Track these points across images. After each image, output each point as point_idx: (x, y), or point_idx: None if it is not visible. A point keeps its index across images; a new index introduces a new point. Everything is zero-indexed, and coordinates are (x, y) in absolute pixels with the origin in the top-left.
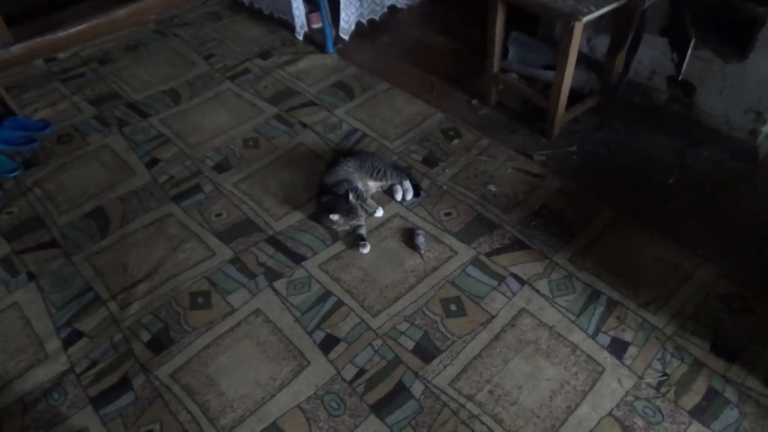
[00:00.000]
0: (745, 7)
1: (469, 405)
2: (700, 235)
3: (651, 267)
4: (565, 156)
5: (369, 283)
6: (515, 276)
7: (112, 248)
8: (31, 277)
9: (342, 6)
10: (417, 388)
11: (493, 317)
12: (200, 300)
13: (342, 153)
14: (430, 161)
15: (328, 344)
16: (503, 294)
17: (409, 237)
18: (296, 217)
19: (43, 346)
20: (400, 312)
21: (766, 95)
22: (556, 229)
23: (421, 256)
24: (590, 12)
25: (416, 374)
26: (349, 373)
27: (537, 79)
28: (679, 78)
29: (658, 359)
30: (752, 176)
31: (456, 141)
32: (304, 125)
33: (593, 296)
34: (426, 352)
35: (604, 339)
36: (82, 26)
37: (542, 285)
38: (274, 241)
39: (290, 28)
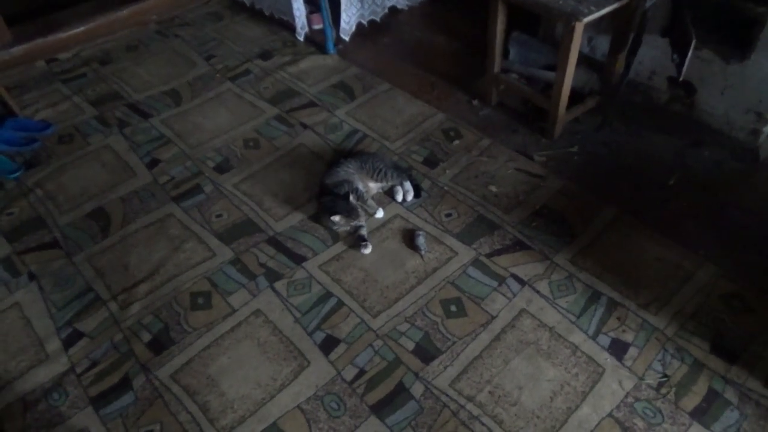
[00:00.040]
0: (745, 7)
1: (470, 406)
2: (701, 235)
3: (652, 267)
4: (565, 156)
5: (369, 283)
6: (516, 277)
7: (113, 248)
8: (32, 277)
9: (343, 7)
10: (417, 389)
11: (493, 318)
12: (201, 300)
13: (343, 154)
14: (430, 162)
15: (328, 345)
16: (504, 295)
17: (409, 238)
18: (297, 217)
19: (43, 347)
20: (401, 313)
21: (766, 95)
22: (556, 230)
23: (422, 256)
24: (591, 12)
25: (416, 375)
26: (350, 373)
27: (538, 80)
28: (680, 78)
29: (659, 360)
30: (753, 176)
31: (457, 141)
32: (304, 126)
33: (594, 297)
34: (426, 352)
35: (605, 340)
36: (83, 27)
37: (543, 286)
38: (274, 242)
39: (291, 28)
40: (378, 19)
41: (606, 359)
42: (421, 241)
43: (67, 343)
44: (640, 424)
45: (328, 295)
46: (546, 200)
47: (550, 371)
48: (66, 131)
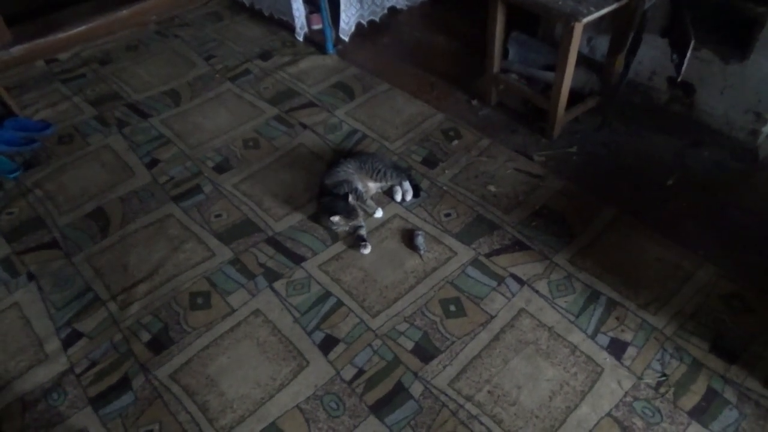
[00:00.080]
0: (745, 8)
1: (469, 405)
2: (701, 236)
3: (651, 267)
4: (565, 156)
5: (369, 283)
6: (515, 276)
7: (113, 249)
8: (32, 277)
9: (342, 7)
10: (416, 389)
11: (492, 318)
12: (200, 300)
13: (342, 154)
14: (430, 162)
15: (327, 345)
16: (503, 294)
17: (408, 238)
18: (296, 217)
19: (43, 347)
20: (400, 312)
21: (766, 95)
22: (556, 230)
23: (421, 256)
24: (590, 13)
25: (415, 375)
26: (349, 373)
27: (537, 80)
28: (679, 79)
29: (658, 360)
30: (752, 176)
31: (456, 141)
32: (304, 126)
33: (593, 297)
34: (425, 352)
35: (604, 339)
36: (83, 27)
37: (542, 285)
38: (273, 242)
39: (290, 29)
40: (377, 20)
41: (605, 359)
42: (420, 240)
43: (67, 343)
44: (639, 423)
45: (328, 294)
46: (545, 200)
47: (549, 371)
48: (65, 131)
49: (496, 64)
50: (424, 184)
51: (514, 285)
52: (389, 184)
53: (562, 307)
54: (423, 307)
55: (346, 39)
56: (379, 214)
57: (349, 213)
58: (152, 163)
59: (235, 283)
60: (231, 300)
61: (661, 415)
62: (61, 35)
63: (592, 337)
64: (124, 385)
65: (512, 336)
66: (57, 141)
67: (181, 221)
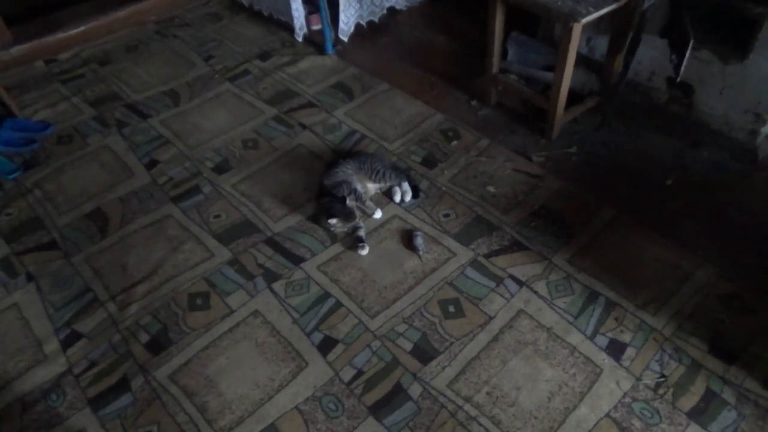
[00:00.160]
0: (744, 8)
1: (467, 406)
2: (700, 236)
3: (650, 267)
4: (564, 156)
5: (368, 284)
6: (514, 277)
7: (112, 249)
8: (31, 278)
9: (341, 8)
10: (415, 390)
11: (491, 318)
12: (199, 301)
13: (341, 154)
14: (429, 162)
15: (326, 345)
16: (501, 295)
17: (407, 238)
18: (295, 218)
19: (42, 347)
20: (399, 313)
21: (765, 96)
22: (555, 230)
23: (420, 257)
24: (589, 13)
25: (414, 376)
26: (348, 374)
27: (537, 80)
28: (678, 79)
29: (656, 361)
30: (751, 177)
31: (455, 142)
32: (303, 126)
33: (592, 297)
34: (424, 353)
35: (602, 340)
36: (83, 27)
37: (541, 286)
38: (272, 243)
39: (290, 29)
40: (377, 20)
41: (604, 360)
42: (419, 241)
43: (66, 344)
44: (638, 424)
45: (327, 295)
46: (544, 201)
47: (547, 372)
48: (65, 132)
49: (496, 65)
50: (423, 184)
51: (512, 286)
52: (388, 184)
53: (560, 308)
54: (422, 307)
55: (346, 39)
56: (378, 214)
57: (346, 215)
58: (151, 164)
59: (234, 283)
60: (230, 301)
61: (660, 416)
62: (61, 35)
63: (591, 337)
64: (123, 385)
65: (511, 337)
66: (56, 141)
67: (180, 222)
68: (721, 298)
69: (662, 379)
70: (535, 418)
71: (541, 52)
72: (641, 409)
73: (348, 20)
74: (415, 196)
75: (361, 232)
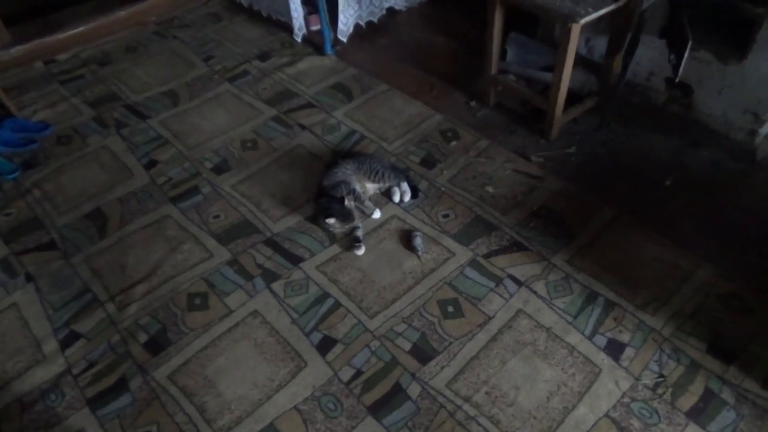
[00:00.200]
0: (743, 8)
1: (466, 406)
2: (699, 235)
3: (649, 267)
4: (563, 157)
5: (367, 284)
6: (513, 277)
7: (111, 249)
8: (30, 278)
9: (340, 8)
10: (414, 390)
11: (490, 319)
12: (198, 301)
13: (340, 155)
14: (428, 162)
15: (325, 345)
16: (500, 295)
17: (406, 239)
18: (294, 218)
19: (40, 348)
20: (398, 313)
21: (764, 96)
22: (554, 230)
23: (419, 257)
24: (588, 13)
25: (413, 375)
26: (347, 374)
27: (536, 81)
28: (677, 79)
29: (655, 361)
30: (750, 176)
31: (454, 142)
32: (302, 127)
33: (591, 297)
34: (423, 353)
35: (601, 340)
36: (82, 28)
37: (540, 286)
38: (272, 243)
39: (289, 30)
40: (376, 20)
41: (603, 359)
42: (418, 241)
43: (65, 344)
44: (637, 424)
45: (326, 295)
46: (544, 201)
47: (546, 372)
48: (64, 132)
49: (495, 65)
50: (423, 185)
51: (512, 286)
52: (387, 184)
53: (560, 308)
54: (421, 307)
55: (345, 40)
56: (377, 215)
57: (345, 216)
58: (150, 164)
59: (233, 284)
60: (229, 301)
61: (659, 416)
62: (60, 36)
63: (590, 337)
64: (121, 386)
65: (510, 337)
66: (55, 142)
67: (180, 222)
68: (721, 297)
69: (661, 379)
70: (534, 417)
71: (540, 53)
72: (640, 408)
73: (347, 21)
74: (414, 196)
75: (359, 232)
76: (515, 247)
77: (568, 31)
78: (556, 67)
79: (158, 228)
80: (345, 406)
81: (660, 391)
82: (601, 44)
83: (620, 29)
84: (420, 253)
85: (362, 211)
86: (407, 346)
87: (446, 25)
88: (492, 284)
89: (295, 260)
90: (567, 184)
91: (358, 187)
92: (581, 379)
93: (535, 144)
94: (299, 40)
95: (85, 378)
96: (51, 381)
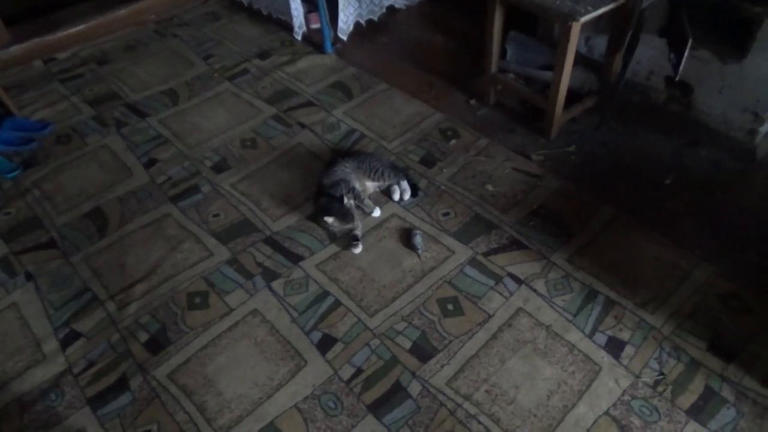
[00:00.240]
0: (743, 7)
1: (467, 405)
2: (699, 235)
3: (649, 266)
4: (563, 156)
5: (367, 283)
6: (513, 276)
7: (111, 249)
8: (29, 277)
9: (340, 7)
10: (414, 388)
11: (490, 317)
12: (198, 300)
13: (340, 153)
14: (428, 161)
15: (325, 344)
16: (500, 294)
17: (406, 237)
18: (294, 217)
19: (40, 347)
20: (398, 312)
21: (764, 95)
22: (554, 229)
23: (419, 256)
24: (588, 12)
25: (413, 374)
26: (347, 373)
27: (535, 79)
28: (677, 78)
29: (655, 359)
30: (750, 176)
31: (454, 141)
32: (302, 125)
33: (590, 296)
34: (423, 351)
35: (601, 338)
36: (81, 26)
37: (539, 285)
38: (271, 242)
39: (289, 28)
40: (376, 19)
41: (603, 357)
42: (418, 240)
43: (64, 344)
44: (637, 422)
45: (325, 294)
46: (543, 200)
47: (546, 370)
48: (64, 131)
49: (495, 64)
50: (422, 183)
51: (511, 284)
52: (387, 183)
53: (559, 306)
54: (421, 306)
55: (345, 38)
56: (376, 213)
57: (343, 215)
58: (150, 163)
59: (233, 282)
60: (229, 300)
61: (659, 414)
62: (60, 35)
63: (590, 336)
64: (121, 385)
65: (510, 335)
66: (55, 141)
67: (179, 221)
68: (720, 297)
69: (661, 377)
70: (534, 416)
71: (539, 52)
72: (640, 406)
73: (347, 19)
74: (413, 194)
75: (358, 231)
76: (515, 245)
77: (568, 30)
78: (555, 66)
79: (158, 227)
80: (345, 405)
81: (660, 389)
82: (600, 43)
83: (620, 28)
84: (420, 251)
85: (362, 210)
86: (407, 344)
87: (446, 23)
88: (492, 282)
89: (295, 259)
90: (566, 183)
91: (357, 186)
92: (581, 377)
93: (534, 143)
94: (299, 38)
95: (85, 377)
96: (51, 380)
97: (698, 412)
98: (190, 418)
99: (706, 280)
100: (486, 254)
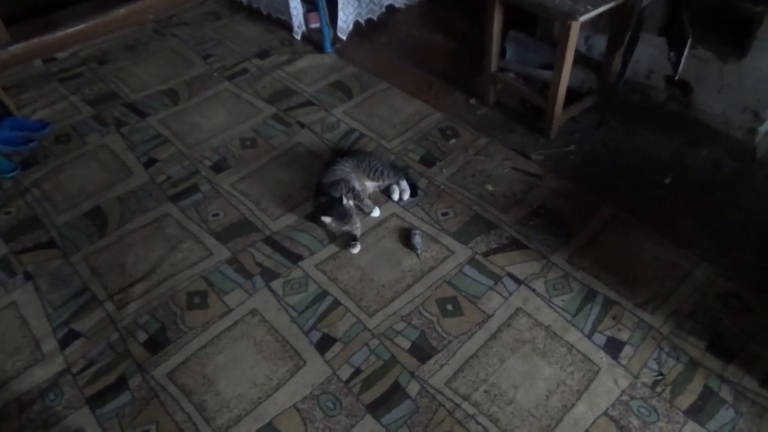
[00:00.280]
0: (743, 7)
1: (465, 405)
2: (699, 234)
3: (649, 266)
4: (563, 155)
5: (366, 282)
6: (512, 276)
7: (110, 248)
8: (29, 277)
9: (340, 6)
10: (413, 388)
11: (489, 317)
12: (197, 300)
13: (340, 153)
14: (427, 161)
15: (324, 344)
16: (499, 294)
17: (406, 237)
18: (294, 217)
19: (40, 347)
20: (397, 312)
21: (763, 94)
22: (553, 229)
23: (418, 255)
24: (587, 11)
25: (412, 374)
26: (345, 373)
27: (535, 79)
28: (677, 78)
29: (654, 359)
30: (750, 175)
31: (454, 140)
32: (302, 125)
33: (590, 296)
34: (422, 351)
35: (600, 339)
36: (81, 26)
37: (539, 285)
38: (271, 241)
39: (288, 27)
40: (375, 18)
41: (601, 358)
42: (417, 240)
43: (64, 343)
44: (636, 422)
45: (325, 294)
46: (543, 199)
47: (545, 370)
48: (63, 131)
49: (494, 63)
50: (422, 183)
51: (511, 284)
52: (386, 183)
53: (559, 306)
54: (420, 306)
55: (344, 38)
56: (376, 213)
57: (341, 216)
58: (150, 163)
59: (233, 282)
60: (228, 299)
61: (658, 414)
62: (59, 34)
63: (589, 336)
64: (121, 384)
65: (509, 335)
66: (54, 140)
67: (179, 221)
68: (720, 296)
69: (660, 377)
70: (533, 416)
71: (539, 51)
72: (639, 407)
73: (347, 18)
74: (413, 194)
75: (357, 231)
76: (514, 245)
77: (568, 29)
78: (555, 65)
79: (157, 227)
80: (344, 405)
81: (659, 389)
82: (600, 42)
83: (620, 27)
84: (419, 251)
85: (361, 210)
86: (406, 344)
87: (446, 23)
88: (491, 282)
89: (295, 259)
90: (566, 183)
91: (357, 185)
92: (580, 377)
93: (534, 142)
94: (299, 38)
95: (85, 377)
96: (50, 380)
97: (697, 412)
98: (188, 417)
99: (705, 279)
100: (485, 254)
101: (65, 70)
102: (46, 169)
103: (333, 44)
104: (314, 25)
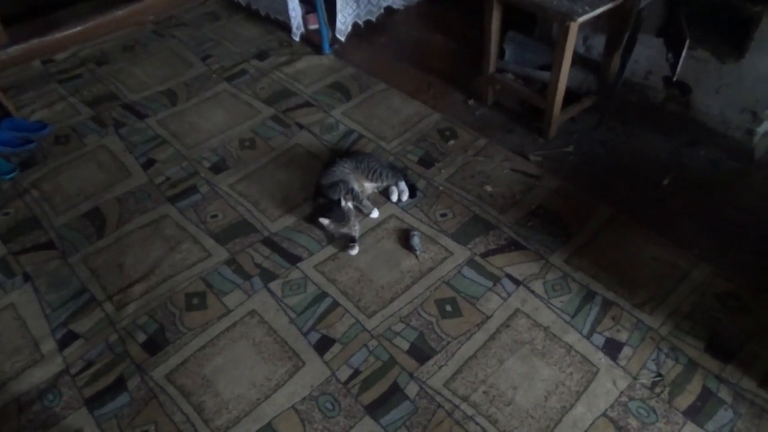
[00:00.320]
0: (741, 7)
1: (464, 406)
2: (697, 235)
3: (647, 266)
4: (561, 156)
5: (365, 284)
6: (510, 277)
7: (109, 249)
8: (27, 278)
9: (338, 7)
10: (412, 389)
11: (488, 318)
12: (196, 301)
13: (338, 154)
14: (426, 162)
15: (323, 345)
16: (498, 295)
17: (404, 238)
18: (292, 218)
19: (38, 347)
20: (396, 313)
21: (762, 95)
22: (552, 230)
23: (417, 257)
24: (585, 12)
25: (411, 375)
26: (344, 374)
27: (534, 79)
28: (675, 78)
29: (653, 360)
30: (748, 175)
31: (452, 141)
32: (300, 126)
33: (588, 297)
34: (421, 352)
35: (599, 339)
36: (80, 27)
37: (537, 286)
38: (269, 242)
39: (287, 29)
40: (374, 19)
41: (600, 359)
42: (416, 241)
43: (62, 344)
44: (634, 423)
45: (323, 295)
46: (542, 200)
47: (544, 371)
48: (62, 132)
49: (493, 64)
50: (420, 184)
51: (509, 285)
52: (385, 184)
53: (557, 307)
54: (419, 307)
55: (343, 39)
56: (375, 214)
57: (340, 217)
58: (148, 164)
59: (231, 283)
60: (227, 300)
61: (657, 415)
62: (58, 35)
63: (588, 337)
64: (119, 385)
65: (508, 336)
66: (53, 141)
67: (177, 222)
68: (719, 296)
69: (659, 378)
70: (532, 417)
71: (538, 52)
72: (638, 408)
73: (345, 20)
74: (412, 195)
75: (355, 232)
76: (513, 246)
77: (566, 30)
78: (554, 66)
79: (156, 227)
80: (343, 406)
81: (658, 390)
82: (598, 43)
83: (618, 28)
84: (418, 252)
85: (360, 211)
86: (405, 345)
87: (444, 24)
88: (490, 283)
89: (293, 260)
90: (565, 183)
91: (356, 186)
92: (579, 378)
93: (533, 143)
94: (297, 39)
95: (83, 378)
96: (49, 381)
97: (696, 413)
98: (187, 418)
99: (704, 279)
100: (484, 255)
101: (64, 71)
102: (45, 170)
103: (332, 45)
104: (313, 27)
